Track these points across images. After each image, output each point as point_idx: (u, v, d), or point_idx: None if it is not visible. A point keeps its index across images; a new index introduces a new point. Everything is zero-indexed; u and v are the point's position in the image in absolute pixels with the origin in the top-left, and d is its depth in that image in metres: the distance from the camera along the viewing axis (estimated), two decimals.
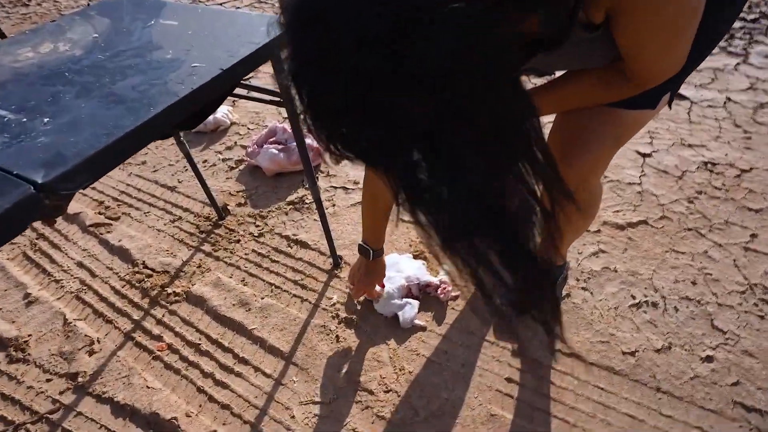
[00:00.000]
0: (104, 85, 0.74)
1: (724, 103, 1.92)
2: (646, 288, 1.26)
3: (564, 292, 1.26)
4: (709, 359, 1.10)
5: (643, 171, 1.62)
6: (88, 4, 1.07)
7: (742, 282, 1.25)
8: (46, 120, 0.66)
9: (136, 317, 1.30)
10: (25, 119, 0.67)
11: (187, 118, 0.75)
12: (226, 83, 0.76)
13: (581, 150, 0.83)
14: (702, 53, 0.72)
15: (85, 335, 1.25)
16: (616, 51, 0.63)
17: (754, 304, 1.20)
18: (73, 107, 0.69)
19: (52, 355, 1.22)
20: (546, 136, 0.78)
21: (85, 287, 1.39)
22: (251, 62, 0.80)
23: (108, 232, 1.55)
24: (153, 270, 1.41)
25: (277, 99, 0.97)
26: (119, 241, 1.51)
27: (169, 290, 1.35)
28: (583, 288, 1.27)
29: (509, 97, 0.43)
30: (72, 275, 1.42)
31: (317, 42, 0.38)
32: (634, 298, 1.24)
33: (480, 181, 0.44)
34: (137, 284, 1.38)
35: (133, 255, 1.46)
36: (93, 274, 1.42)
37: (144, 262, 1.44)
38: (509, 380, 1.10)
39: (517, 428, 1.02)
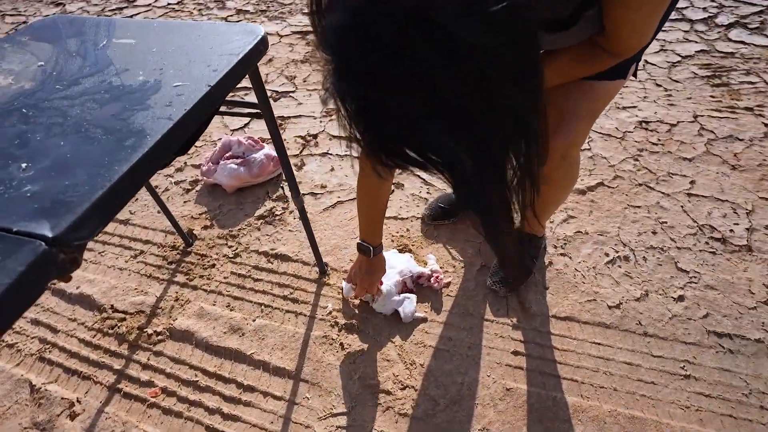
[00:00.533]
0: (77, 117, 0.66)
1: (643, 65, 2.12)
2: (615, 244, 1.37)
3: (546, 261, 1.34)
4: (680, 299, 1.22)
5: (590, 137, 1.75)
6: (15, 29, 0.95)
7: (692, 225, 1.40)
8: (23, 165, 0.58)
9: (117, 366, 1.18)
10: None
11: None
12: (217, 99, 0.71)
13: (563, 126, 0.88)
14: (660, 28, 0.80)
15: (62, 398, 1.13)
16: (597, 28, 0.69)
17: (705, 243, 1.35)
18: (51, 147, 0.61)
19: (25, 429, 1.09)
20: None
21: (48, 346, 1.24)
22: (235, 75, 0.75)
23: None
24: (125, 312, 1.30)
25: (256, 111, 0.92)
26: (77, 288, 1.36)
27: (149, 330, 1.25)
28: (561, 254, 1.35)
29: (535, 79, 0.45)
30: (28, 336, 1.27)
31: (367, 52, 0.40)
32: (607, 255, 1.34)
33: (499, 159, 0.46)
34: (110, 331, 1.26)
35: (97, 300, 1.33)
36: (54, 330, 1.28)
37: (112, 305, 1.31)
38: (516, 353, 1.15)
39: (533, 397, 1.07)
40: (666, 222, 1.41)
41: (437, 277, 1.29)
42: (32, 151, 0.61)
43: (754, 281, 1.24)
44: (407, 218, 1.50)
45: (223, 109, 0.89)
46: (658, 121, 1.80)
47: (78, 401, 1.12)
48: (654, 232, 1.39)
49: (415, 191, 1.59)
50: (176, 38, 0.84)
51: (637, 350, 1.13)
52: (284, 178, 1.68)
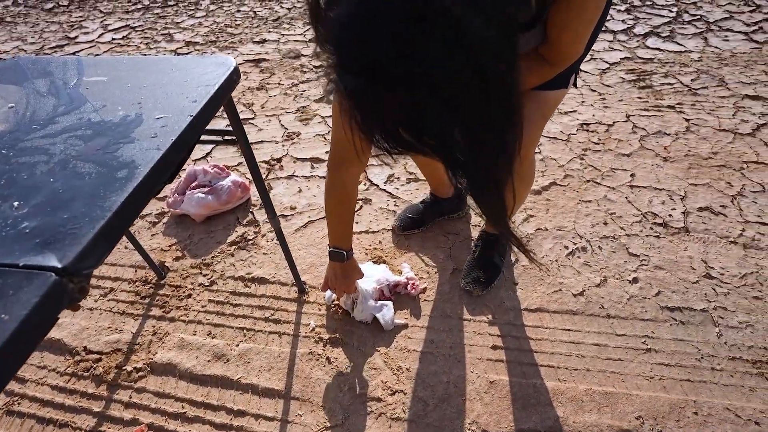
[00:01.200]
0: (62, 155, 0.68)
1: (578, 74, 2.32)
2: (573, 237, 1.48)
3: (513, 258, 1.43)
4: (635, 280, 1.34)
5: (540, 142, 1.89)
6: None
7: (637, 213, 1.54)
8: (16, 204, 0.59)
9: (97, 409, 1.15)
10: None
11: None
12: (200, 128, 0.74)
13: (526, 137, 0.98)
14: (594, 40, 0.92)
15: None
16: (540, 39, 0.79)
17: (650, 228, 1.49)
18: (41, 184, 0.62)
19: None
20: None
21: (15, 398, 1.18)
22: (214, 105, 0.79)
23: None
24: (100, 353, 1.26)
25: (231, 137, 0.95)
26: None
27: (128, 368, 1.22)
28: None
29: (519, 70, 0.52)
30: None
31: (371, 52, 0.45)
32: (567, 248, 1.45)
33: (491, 140, 0.53)
34: (85, 374, 1.21)
35: (68, 344, 1.28)
36: (22, 381, 1.22)
37: (86, 347, 1.27)
38: (494, 347, 1.22)
39: (515, 386, 1.14)
40: (614, 213, 1.55)
41: (413, 284, 1.35)
42: (22, 190, 0.61)
43: (693, 258, 1.39)
44: (378, 231, 1.56)
45: (202, 137, 0.92)
46: (596, 122, 1.97)
47: None
48: (605, 223, 1.52)
49: (383, 205, 1.65)
50: (149, 73, 0.87)
51: (603, 332, 1.23)
52: (253, 202, 1.70)
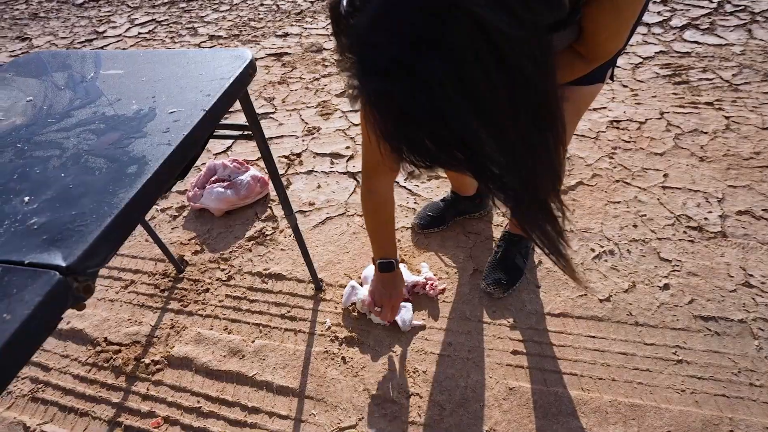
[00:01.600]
0: (74, 149, 0.67)
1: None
2: (600, 240, 1.42)
3: (536, 260, 1.38)
4: (666, 287, 1.27)
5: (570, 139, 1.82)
6: None
7: (670, 216, 1.47)
8: (26, 199, 0.58)
9: (116, 400, 1.16)
10: None
11: None
12: (212, 123, 0.73)
13: None
14: (633, 32, 0.86)
15: None
16: (575, 36, 0.74)
17: (684, 232, 1.41)
18: (52, 179, 0.62)
19: None
20: None
21: (40, 385, 1.21)
22: (229, 98, 0.77)
23: None
24: (120, 344, 1.27)
25: (247, 132, 0.94)
26: (67, 323, 1.33)
27: (146, 360, 1.23)
28: None
29: (554, 70, 0.48)
30: (18, 376, 1.23)
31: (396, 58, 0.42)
32: (593, 251, 1.39)
33: (526, 149, 0.48)
34: (105, 364, 1.23)
35: (89, 334, 1.30)
36: (46, 369, 1.24)
37: (106, 338, 1.29)
38: (515, 353, 1.18)
39: (536, 394, 1.09)
40: (645, 215, 1.48)
41: (432, 285, 1.31)
42: (33, 185, 0.61)
43: (731, 265, 1.31)
44: (398, 229, 1.52)
45: (216, 132, 0.91)
46: (627, 119, 1.88)
47: None
48: (635, 226, 1.45)
49: (403, 202, 1.62)
50: (165, 67, 0.86)
51: (631, 340, 1.17)
52: (272, 198, 1.69)
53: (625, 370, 1.11)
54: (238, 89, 0.80)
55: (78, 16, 3.56)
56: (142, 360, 1.23)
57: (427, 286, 1.31)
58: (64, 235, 0.53)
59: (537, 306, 1.27)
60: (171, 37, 3.04)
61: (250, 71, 0.83)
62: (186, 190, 1.69)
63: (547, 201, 0.55)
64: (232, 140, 1.95)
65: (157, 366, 1.22)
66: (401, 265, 1.36)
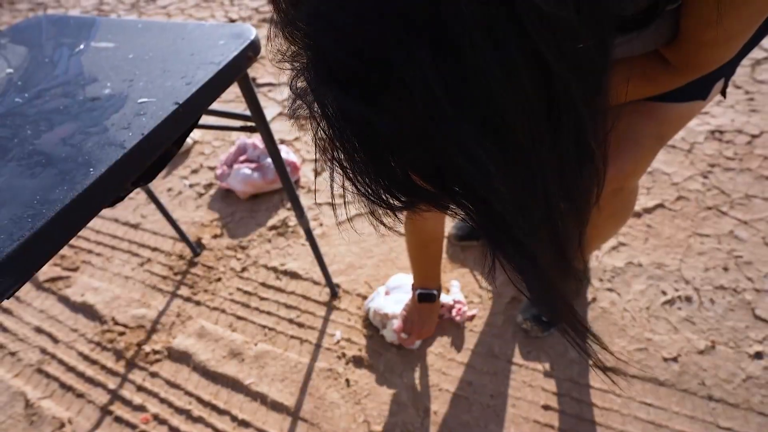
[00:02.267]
0: (24, 140, 0.56)
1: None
2: (675, 281, 1.16)
3: (589, 297, 1.15)
4: (758, 356, 1.01)
5: (648, 167, 1.52)
6: None
7: None
8: None
9: (112, 386, 1.12)
10: None
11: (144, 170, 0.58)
12: (186, 120, 0.59)
13: (620, 155, 0.71)
14: (762, 33, 0.60)
15: (53, 417, 1.07)
16: (666, 37, 0.51)
17: None
18: None
19: None
20: None
21: (47, 357, 1.20)
22: (214, 88, 0.63)
23: (67, 286, 1.35)
24: (125, 326, 1.23)
25: (250, 124, 0.80)
26: (82, 295, 1.31)
27: (147, 348, 1.18)
28: (608, 289, 1.16)
29: (605, 85, 0.31)
30: (30, 344, 1.23)
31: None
32: (665, 293, 1.14)
33: (547, 188, 0.32)
34: (109, 345, 1.20)
35: (99, 311, 1.27)
36: (55, 340, 1.23)
37: (113, 317, 1.25)
38: (546, 407, 0.99)
39: None
40: (741, 256, 1.18)
41: (459, 310, 1.14)
42: None
43: None
44: None
45: (211, 121, 0.78)
46: (735, 130, 1.54)
47: (69, 422, 1.07)
48: (725, 269, 1.17)
49: None
50: (157, 41, 0.73)
51: (699, 417, 0.94)
52: (301, 184, 1.57)
53: None
54: (230, 76, 0.66)
55: None
56: (143, 347, 1.18)
57: (453, 310, 1.14)
58: None
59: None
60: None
61: (249, 54, 0.69)
62: (215, 167, 1.61)
63: (568, 267, 0.39)
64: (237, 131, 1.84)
65: (157, 356, 1.16)
66: None
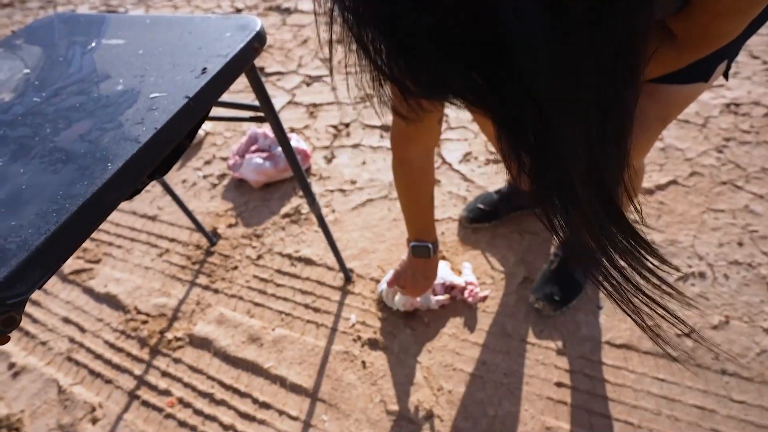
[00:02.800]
0: (45, 138, 0.59)
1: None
2: (689, 257, 1.15)
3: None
4: None
5: (652, 147, 1.49)
6: (12, 32, 0.89)
7: None
8: None
9: (138, 372, 1.17)
10: None
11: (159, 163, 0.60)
12: (197, 113, 0.61)
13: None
14: (765, 17, 0.58)
15: (85, 401, 1.13)
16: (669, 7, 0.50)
17: None
18: (10, 175, 0.54)
19: (51, 430, 1.10)
20: None
21: (75, 345, 1.25)
22: (222, 81, 0.64)
23: (91, 278, 1.40)
24: (148, 315, 1.28)
25: (259, 114, 0.81)
26: (105, 286, 1.36)
27: (170, 335, 1.22)
28: None
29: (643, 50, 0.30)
30: (59, 334, 1.28)
31: None
32: (678, 270, 1.13)
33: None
34: (133, 333, 1.24)
35: (122, 301, 1.32)
36: (82, 330, 1.28)
37: (136, 306, 1.30)
38: (559, 385, 1.00)
39: None
40: (757, 231, 1.17)
41: (471, 291, 1.15)
42: None
43: None
44: (442, 219, 1.36)
45: (221, 113, 0.80)
46: (752, 102, 1.50)
47: (100, 406, 1.12)
48: (740, 243, 1.16)
49: (453, 189, 1.44)
50: (165, 36, 0.74)
51: (712, 392, 0.95)
52: (312, 172, 1.59)
53: (699, 429, 0.90)
54: (238, 68, 0.67)
55: None
56: (165, 334, 1.23)
57: (465, 291, 1.16)
58: None
59: (594, 331, 1.07)
60: None
61: (255, 45, 0.70)
62: (228, 157, 1.63)
63: (616, 200, 0.36)
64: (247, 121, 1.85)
65: (179, 343, 1.20)
66: (442, 263, 1.21)
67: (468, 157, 1.53)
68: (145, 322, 1.26)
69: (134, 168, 0.53)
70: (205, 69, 0.63)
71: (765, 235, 1.16)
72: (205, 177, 1.66)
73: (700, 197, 1.27)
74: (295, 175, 0.92)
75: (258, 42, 0.70)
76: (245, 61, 0.68)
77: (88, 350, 1.24)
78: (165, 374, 1.15)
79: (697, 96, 0.69)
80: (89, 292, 1.37)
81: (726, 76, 0.67)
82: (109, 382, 1.16)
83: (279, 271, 1.32)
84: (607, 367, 1.01)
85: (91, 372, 1.19)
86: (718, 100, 1.53)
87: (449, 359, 1.08)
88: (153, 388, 1.14)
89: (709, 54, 0.55)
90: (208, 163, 1.71)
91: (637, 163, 0.79)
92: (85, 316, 1.31)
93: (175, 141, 0.58)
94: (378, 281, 1.24)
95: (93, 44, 0.77)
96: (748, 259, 1.12)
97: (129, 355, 1.21)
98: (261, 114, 0.81)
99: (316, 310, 1.22)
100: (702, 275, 1.12)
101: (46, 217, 0.48)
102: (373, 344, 1.13)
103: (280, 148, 1.52)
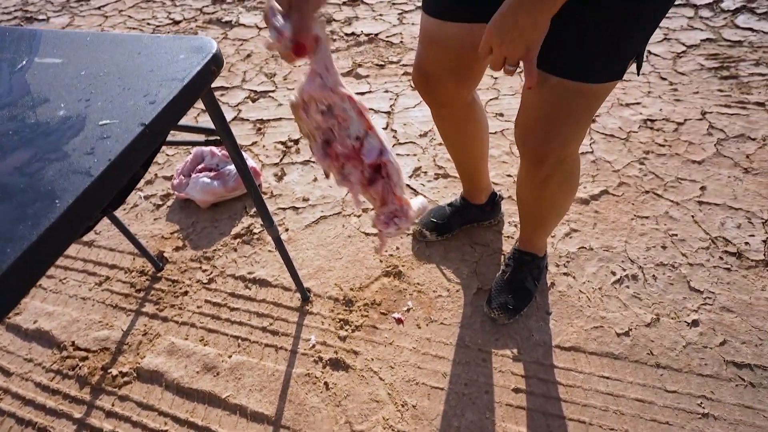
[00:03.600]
0: None
1: (647, 56, 1.99)
2: (622, 261, 1.26)
3: (548, 281, 1.23)
4: (695, 323, 1.12)
5: (591, 138, 1.63)
6: None
7: (705, 237, 1.29)
8: None
9: (77, 415, 1.07)
10: None
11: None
12: (154, 140, 0.58)
13: (559, 128, 0.80)
14: (662, 10, 0.68)
15: None
16: None
17: (719, 258, 1.24)
18: None
19: None
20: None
21: None
22: (180, 106, 0.62)
23: (16, 313, 1.27)
24: (87, 350, 1.18)
25: (214, 137, 0.79)
26: (34, 322, 1.24)
27: (114, 371, 1.13)
28: (564, 273, 1.25)
29: None
30: None
31: None
32: (614, 274, 1.23)
33: None
34: (70, 372, 1.14)
35: (56, 337, 1.20)
36: (7, 373, 1.15)
37: (73, 342, 1.19)
38: (517, 390, 1.05)
39: None
40: (676, 234, 1.31)
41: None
42: None
43: None
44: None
45: (173, 137, 0.76)
46: (663, 119, 1.68)
47: None
48: (664, 247, 1.28)
49: None
50: (111, 56, 0.70)
51: (650, 384, 1.03)
52: (263, 190, 1.55)
53: (641, 420, 0.98)
54: (194, 93, 0.65)
55: None
56: (109, 370, 1.14)
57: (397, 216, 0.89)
58: None
59: (545, 336, 1.13)
60: None
61: (213, 68, 0.68)
62: (171, 176, 1.55)
63: None
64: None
65: (125, 378, 1.12)
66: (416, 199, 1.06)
67: (418, 171, 1.57)
68: (84, 359, 1.16)
69: (86, 204, 0.50)
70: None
71: (683, 238, 1.29)
72: (147, 198, 1.56)
73: (628, 205, 1.40)
74: (253, 198, 0.90)
75: (215, 64, 0.68)
76: (202, 86, 0.66)
77: (16, 396, 1.11)
78: (110, 414, 1.07)
79: (612, 89, 0.78)
80: (15, 329, 1.24)
81: (638, 71, 0.77)
82: (42, 430, 1.06)
83: (233, 294, 1.27)
84: (558, 369, 1.08)
85: (19, 420, 1.07)
86: (636, 117, 1.69)
87: (411, 374, 1.09)
88: (97, 430, 1.05)
89: (620, 54, 0.68)
90: (149, 183, 1.62)
91: (572, 152, 0.87)
92: (10, 358, 1.18)
93: (131, 172, 0.55)
94: (336, 300, 1.23)
95: (24, 62, 0.71)
96: (671, 261, 1.25)
97: (66, 396, 1.10)
98: (217, 138, 0.78)
99: (274, 332, 1.18)
100: (635, 277, 1.22)
101: None
102: (334, 364, 1.12)
103: (229, 167, 1.48)
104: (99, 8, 2.79)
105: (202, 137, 0.81)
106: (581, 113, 0.79)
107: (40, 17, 2.73)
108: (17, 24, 2.66)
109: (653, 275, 1.22)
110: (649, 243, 1.30)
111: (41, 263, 0.46)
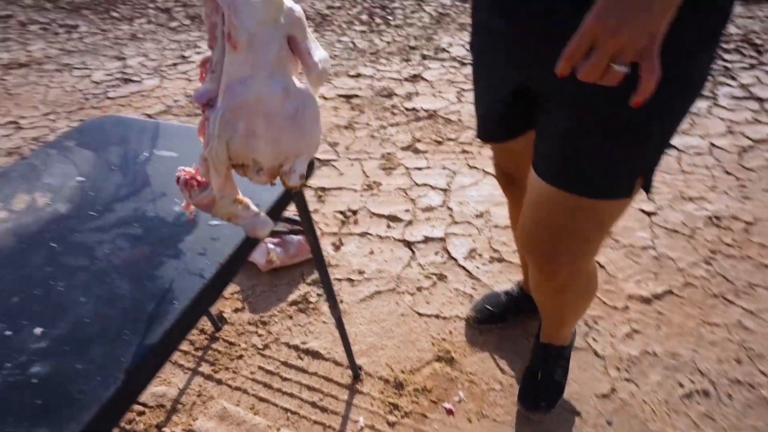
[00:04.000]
0: (104, 261, 0.60)
1: (710, 149, 1.97)
2: (691, 372, 1.19)
3: (608, 386, 1.17)
4: None
5: (653, 232, 1.59)
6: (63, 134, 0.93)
7: None
8: (38, 331, 0.51)
9: None
10: (10, 331, 0.52)
11: None
12: (255, 242, 0.64)
13: (569, 245, 0.77)
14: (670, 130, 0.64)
15: None
16: None
17: None
18: (70, 304, 0.55)
19: None
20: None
21: None
22: (280, 208, 0.68)
23: None
24: (145, 405, 1.22)
25: (297, 227, 0.85)
26: None
27: (167, 430, 1.16)
28: (626, 379, 1.19)
29: None
30: None
31: None
32: (682, 386, 1.16)
33: None
34: (127, 426, 1.18)
35: None
36: None
37: None
38: None
39: None
40: (752, 349, 1.22)
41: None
42: (51, 308, 0.54)
43: None
44: (450, 317, 1.38)
45: None
46: (731, 216, 1.62)
47: None
48: (738, 361, 1.20)
49: (459, 285, 1.47)
50: None
51: None
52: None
53: None
54: (290, 195, 0.71)
55: (170, 39, 3.78)
56: (163, 429, 1.17)
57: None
58: (60, 402, 0.44)
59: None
60: None
61: (311, 165, 0.75)
62: None
63: None
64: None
65: None
66: None
67: (473, 253, 1.58)
68: (141, 413, 1.20)
69: (199, 306, 0.55)
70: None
71: (761, 354, 1.21)
72: None
73: (695, 309, 1.34)
74: (322, 281, 0.94)
75: (311, 166, 0.75)
76: (300, 190, 0.73)
77: None
78: None
79: (624, 208, 0.73)
80: None
81: (647, 190, 0.70)
82: None
83: (285, 364, 1.29)
84: None
85: None
86: (701, 212, 1.65)
87: None
88: None
89: (625, 172, 0.65)
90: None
91: (584, 266, 0.84)
92: None
93: (236, 273, 0.60)
94: (387, 381, 1.22)
95: (146, 153, 0.81)
96: (748, 378, 1.16)
97: None
98: (300, 228, 0.84)
99: (324, 409, 1.18)
100: (706, 393, 1.14)
101: (113, 362, 0.48)
102: None
103: (291, 235, 1.55)
104: (184, 72, 3.12)
105: (287, 227, 0.88)
106: (592, 231, 0.75)
107: (135, 78, 3.07)
108: (116, 84, 3.01)
109: (728, 393, 1.14)
110: (721, 355, 1.22)
111: (157, 363, 0.51)
